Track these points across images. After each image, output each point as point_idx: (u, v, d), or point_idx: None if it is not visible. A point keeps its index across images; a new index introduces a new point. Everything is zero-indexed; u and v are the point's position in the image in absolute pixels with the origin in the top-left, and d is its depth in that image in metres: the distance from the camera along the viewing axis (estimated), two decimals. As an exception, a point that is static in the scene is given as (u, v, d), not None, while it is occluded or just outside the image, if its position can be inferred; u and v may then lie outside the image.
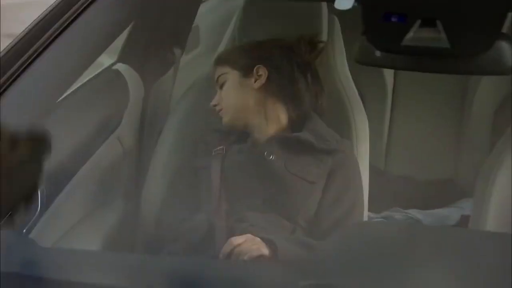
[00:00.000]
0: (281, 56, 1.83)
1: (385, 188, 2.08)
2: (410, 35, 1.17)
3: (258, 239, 1.58)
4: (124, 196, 1.96)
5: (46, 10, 1.38)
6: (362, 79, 2.10)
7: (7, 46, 1.34)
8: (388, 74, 2.60)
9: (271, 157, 1.74)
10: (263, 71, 1.81)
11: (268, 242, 1.59)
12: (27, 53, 1.28)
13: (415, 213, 2.29)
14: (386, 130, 2.58)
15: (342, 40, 2.04)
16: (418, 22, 1.16)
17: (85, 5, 1.36)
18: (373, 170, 1.92)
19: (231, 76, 1.83)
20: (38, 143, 0.94)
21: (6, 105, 1.21)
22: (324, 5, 2.03)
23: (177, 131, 1.96)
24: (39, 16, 1.39)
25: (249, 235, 1.58)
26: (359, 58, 1.31)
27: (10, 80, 1.24)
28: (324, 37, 2.01)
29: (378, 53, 1.25)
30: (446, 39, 1.15)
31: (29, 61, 1.28)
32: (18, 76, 1.25)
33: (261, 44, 1.86)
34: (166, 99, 2.07)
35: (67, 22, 1.32)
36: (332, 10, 2.04)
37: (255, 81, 1.81)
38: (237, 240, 1.57)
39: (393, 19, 1.17)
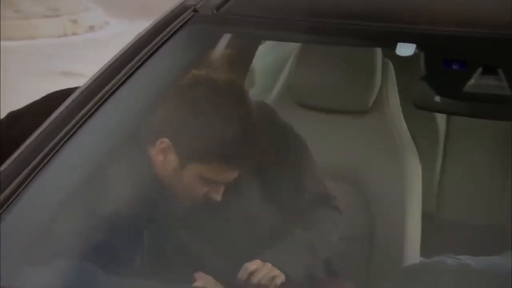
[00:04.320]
0: None
1: (437, 233, 2.07)
2: (471, 82, 1.19)
3: (269, 264, 1.61)
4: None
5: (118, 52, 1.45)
6: (415, 123, 2.11)
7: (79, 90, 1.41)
8: (441, 118, 2.59)
9: None
10: None
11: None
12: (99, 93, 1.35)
13: (467, 259, 2.26)
14: (437, 175, 2.57)
15: (396, 84, 2.06)
16: (480, 69, 1.18)
17: (147, 55, 1.42)
18: (425, 214, 1.92)
19: None
20: None
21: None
22: (378, 48, 2.05)
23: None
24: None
25: (258, 261, 1.61)
26: (418, 102, 1.33)
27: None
28: (378, 80, 2.03)
29: (437, 99, 1.26)
30: (508, 87, 1.16)
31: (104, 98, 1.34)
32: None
33: None
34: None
35: (136, 66, 1.38)
36: (386, 54, 2.07)
37: None
38: (251, 267, 1.60)
39: (454, 66, 1.19)
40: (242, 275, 1.59)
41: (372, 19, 1.44)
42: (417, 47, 1.27)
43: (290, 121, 2.10)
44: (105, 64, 1.46)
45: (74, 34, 7.62)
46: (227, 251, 1.65)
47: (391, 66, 2.07)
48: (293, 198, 1.77)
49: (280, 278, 1.59)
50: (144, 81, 1.41)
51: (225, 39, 1.95)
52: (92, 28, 7.76)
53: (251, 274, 1.58)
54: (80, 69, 5.64)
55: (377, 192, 1.97)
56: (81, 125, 1.33)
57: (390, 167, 1.89)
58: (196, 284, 1.52)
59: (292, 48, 2.24)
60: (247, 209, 1.74)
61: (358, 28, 1.46)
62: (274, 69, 2.33)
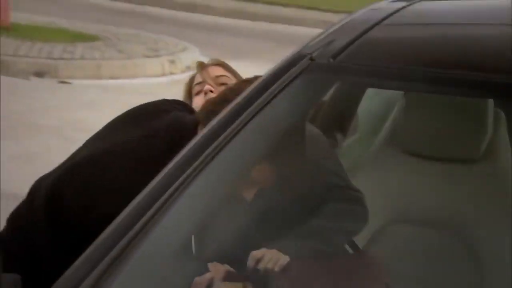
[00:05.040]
0: None
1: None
2: None
3: (274, 250, 1.67)
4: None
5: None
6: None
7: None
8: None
9: None
10: None
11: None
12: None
13: None
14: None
15: (508, 135, 2.02)
16: None
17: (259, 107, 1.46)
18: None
19: None
20: None
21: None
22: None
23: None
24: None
25: (264, 249, 1.67)
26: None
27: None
28: (489, 129, 1.99)
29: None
30: None
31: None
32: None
33: None
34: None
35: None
36: (498, 105, 2.03)
37: None
38: (257, 254, 1.66)
39: None
40: (250, 263, 1.66)
41: (488, 71, 1.43)
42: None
43: (396, 169, 2.10)
44: (221, 113, 1.50)
45: (172, 73, 7.86)
46: (244, 244, 1.70)
47: (503, 116, 2.03)
48: (310, 192, 1.80)
49: (285, 259, 1.65)
50: (261, 128, 1.44)
51: (340, 87, 1.98)
52: (188, 68, 7.97)
53: (258, 261, 1.65)
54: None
55: (487, 245, 1.91)
56: (200, 170, 1.37)
57: (502, 218, 1.83)
58: (208, 274, 1.58)
59: (398, 94, 2.23)
60: (266, 205, 1.78)
61: (472, 79, 1.44)
62: (380, 115, 2.33)
